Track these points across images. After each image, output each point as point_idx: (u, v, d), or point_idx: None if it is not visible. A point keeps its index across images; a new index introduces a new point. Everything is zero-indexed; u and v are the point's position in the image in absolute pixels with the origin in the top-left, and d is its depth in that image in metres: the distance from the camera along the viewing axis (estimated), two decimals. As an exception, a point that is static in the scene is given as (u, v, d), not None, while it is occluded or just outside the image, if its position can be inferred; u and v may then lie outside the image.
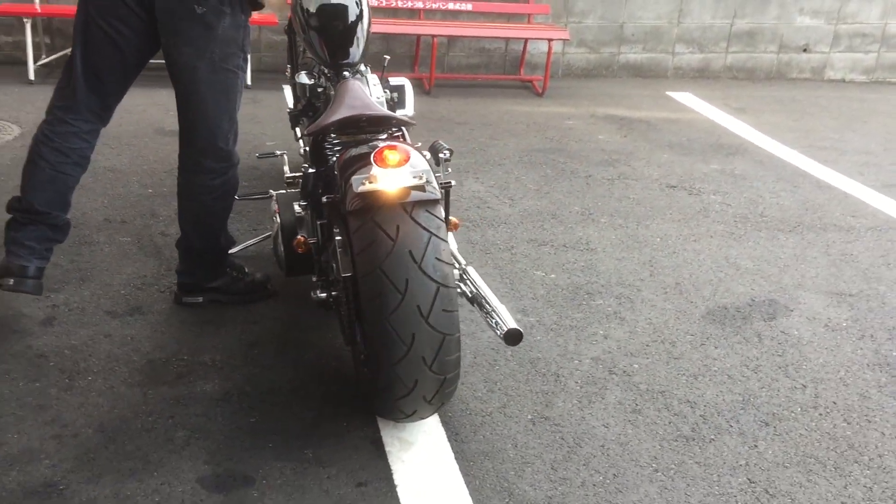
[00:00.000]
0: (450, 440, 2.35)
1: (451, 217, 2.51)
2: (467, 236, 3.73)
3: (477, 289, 2.44)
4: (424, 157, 2.37)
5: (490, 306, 2.34)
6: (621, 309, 3.17)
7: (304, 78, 3.01)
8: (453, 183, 2.46)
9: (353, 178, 2.10)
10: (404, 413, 2.22)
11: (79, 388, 2.47)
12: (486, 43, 6.90)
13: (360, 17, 3.03)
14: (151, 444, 2.25)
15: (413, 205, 2.10)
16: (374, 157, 2.06)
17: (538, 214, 4.05)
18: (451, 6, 6.63)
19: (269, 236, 3.06)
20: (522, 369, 2.73)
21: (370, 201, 2.08)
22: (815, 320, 3.17)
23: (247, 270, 3.05)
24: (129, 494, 2.07)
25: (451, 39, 6.79)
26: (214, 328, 2.83)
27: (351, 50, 2.92)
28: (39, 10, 5.92)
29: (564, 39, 6.63)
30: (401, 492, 2.14)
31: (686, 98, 6.59)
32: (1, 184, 3.90)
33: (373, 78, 3.04)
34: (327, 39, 2.93)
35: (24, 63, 5.83)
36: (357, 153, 2.28)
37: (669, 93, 6.74)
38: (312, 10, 3.00)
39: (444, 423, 2.43)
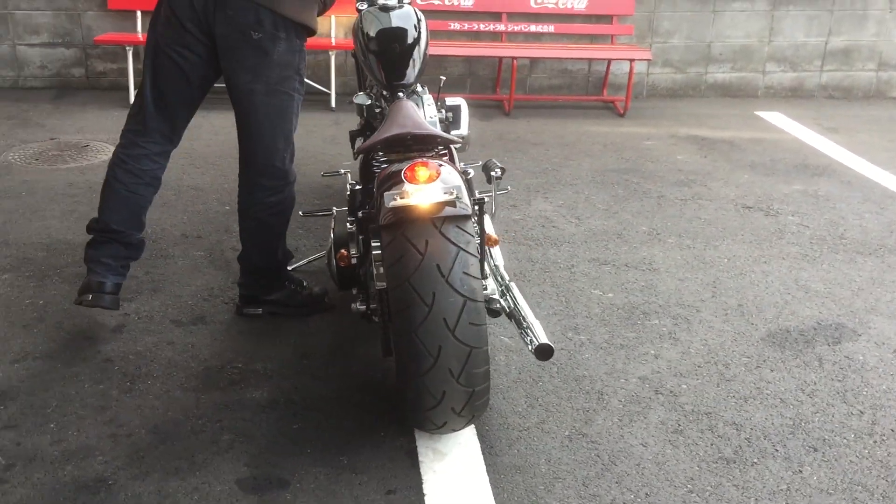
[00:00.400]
0: (484, 453, 2.38)
1: (490, 233, 2.55)
2: (528, 254, 3.75)
3: (515, 304, 2.48)
4: (465, 174, 2.42)
5: (526, 322, 2.37)
6: (676, 329, 3.13)
7: (361, 98, 3.12)
8: (486, 199, 2.50)
9: (386, 193, 2.17)
10: (435, 424, 2.26)
11: (138, 391, 2.62)
12: (569, 64, 6.92)
13: (416, 40, 3.11)
14: (198, 446, 2.36)
15: (443, 220, 2.15)
16: (404, 173, 2.13)
17: (603, 234, 4.04)
18: (532, 28, 6.68)
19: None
20: (566, 386, 2.73)
21: (401, 216, 2.14)
22: (883, 346, 3.05)
23: (305, 284, 3.15)
24: (171, 492, 2.18)
25: (533, 61, 6.83)
26: (270, 339, 2.94)
27: (406, 71, 3.01)
28: (142, 39, 6.28)
29: (647, 60, 6.58)
30: (428, 501, 2.18)
31: (775, 118, 6.42)
32: (94, 202, 4.15)
33: (428, 98, 3.11)
34: (384, 61, 3.02)
35: (126, 89, 6.20)
36: (394, 170, 2.35)
37: (759, 113, 6.58)
38: (372, 33, 3.11)
39: (480, 435, 2.45)
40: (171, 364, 2.77)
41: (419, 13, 3.25)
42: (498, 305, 2.48)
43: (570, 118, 6.33)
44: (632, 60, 6.38)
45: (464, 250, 2.14)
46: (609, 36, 6.78)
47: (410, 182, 2.11)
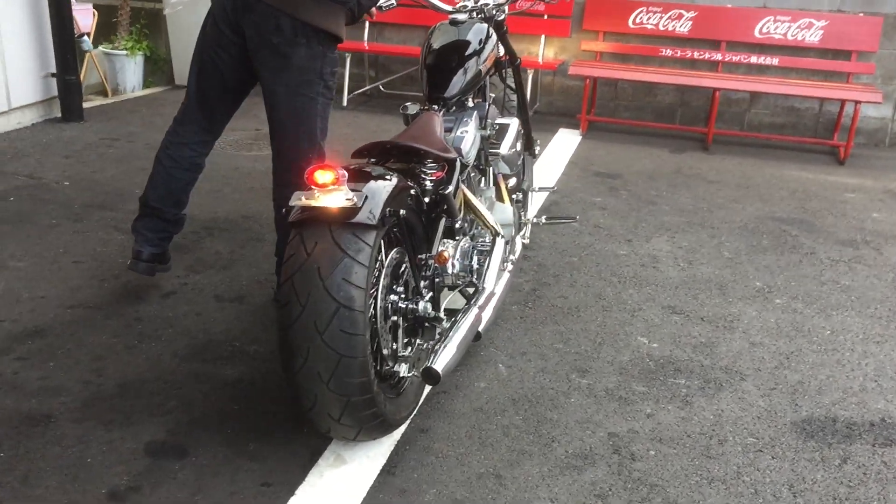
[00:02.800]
0: (383, 470, 2.33)
1: (443, 251, 2.48)
2: (600, 291, 3.53)
3: (455, 327, 2.40)
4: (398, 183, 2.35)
5: (442, 345, 2.29)
6: (697, 394, 2.79)
7: (409, 108, 3.14)
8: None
9: (297, 192, 2.21)
10: (321, 428, 2.26)
11: (138, 350, 2.89)
12: (796, 102, 6.30)
13: (472, 55, 3.09)
14: (143, 406, 2.57)
15: (339, 225, 2.15)
16: (306, 174, 2.16)
17: (704, 283, 3.68)
18: (754, 60, 6.19)
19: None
20: (524, 425, 2.57)
21: (304, 216, 2.17)
22: (949, 461, 2.49)
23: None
24: (90, 441, 2.40)
25: (754, 95, 6.32)
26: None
27: (450, 85, 3.00)
28: (367, 48, 6.77)
29: (875, 102, 5.80)
30: (292, 500, 2.19)
31: None
32: (243, 186, 4.60)
33: (472, 112, 3.06)
34: (431, 74, 3.04)
35: (341, 91, 6.72)
36: None
37: None
38: (431, 47, 3.14)
39: (395, 452, 2.40)
40: (183, 332, 3.02)
41: (489, 30, 3.22)
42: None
43: (776, 160, 5.79)
44: (857, 102, 5.68)
45: (351, 258, 2.12)
46: (845, 74, 6.08)
47: (308, 182, 2.13)
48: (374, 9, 3.34)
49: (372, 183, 2.23)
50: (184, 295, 3.31)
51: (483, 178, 3.23)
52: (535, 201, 4.55)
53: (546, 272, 3.69)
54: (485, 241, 2.97)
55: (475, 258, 2.86)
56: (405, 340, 2.47)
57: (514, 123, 3.16)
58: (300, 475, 2.29)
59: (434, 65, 3.06)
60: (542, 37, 6.54)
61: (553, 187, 4.42)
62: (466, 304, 2.58)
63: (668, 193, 4.88)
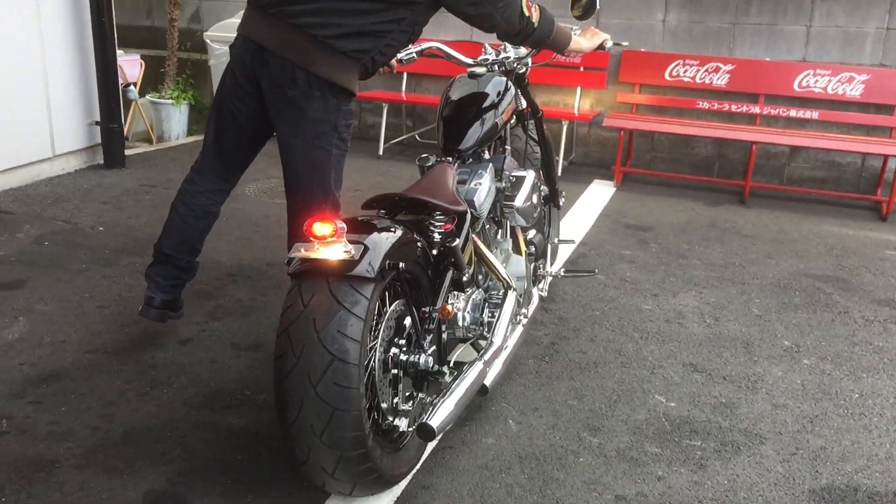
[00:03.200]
0: (379, 528, 2.29)
1: (447, 305, 2.46)
2: (620, 346, 3.46)
3: (457, 381, 2.37)
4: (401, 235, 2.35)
5: (441, 401, 2.26)
6: (713, 457, 2.70)
7: (426, 160, 3.14)
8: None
9: (296, 243, 2.21)
10: (316, 482, 2.23)
11: (148, 397, 2.91)
12: (837, 156, 6.19)
13: (489, 108, 3.10)
14: (147, 454, 2.58)
15: (337, 278, 2.14)
16: (305, 226, 2.16)
17: (729, 341, 3.59)
18: (793, 113, 6.10)
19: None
20: (528, 484, 2.51)
21: (301, 268, 2.17)
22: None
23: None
24: (90, 487, 2.40)
25: (794, 149, 6.23)
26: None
27: (465, 137, 3.01)
28: (405, 98, 6.85)
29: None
30: (283, 557, 2.16)
31: None
32: (272, 234, 4.64)
33: (487, 165, 3.06)
34: (446, 126, 3.05)
35: (377, 140, 6.79)
36: None
37: None
38: (449, 99, 3.16)
39: (392, 509, 2.36)
40: (196, 379, 3.03)
41: (508, 83, 3.23)
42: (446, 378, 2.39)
43: (816, 215, 5.67)
44: (886, 157, 5.56)
45: (347, 310, 2.11)
46: (888, 128, 5.96)
47: (307, 235, 2.14)
48: (393, 61, 3.38)
49: (372, 235, 2.23)
50: (201, 342, 3.33)
51: (500, 230, 3.22)
52: (562, 253, 4.51)
53: (566, 326, 3.64)
54: (497, 294, 2.94)
55: (486, 311, 2.83)
56: (408, 394, 2.44)
57: (530, 176, 3.14)
58: (295, 530, 2.25)
59: (450, 117, 3.07)
60: (578, 89, 6.54)
61: (572, 240, 4.37)
62: (473, 359, 2.55)
63: (700, 247, 4.80)
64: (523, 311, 3.04)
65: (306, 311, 2.11)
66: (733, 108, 6.18)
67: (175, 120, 7.23)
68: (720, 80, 6.17)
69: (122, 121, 5.93)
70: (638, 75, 6.39)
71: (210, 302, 3.70)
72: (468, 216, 2.78)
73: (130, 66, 6.67)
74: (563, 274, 3.62)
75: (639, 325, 3.69)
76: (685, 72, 6.21)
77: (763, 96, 6.13)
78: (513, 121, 3.60)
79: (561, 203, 4.18)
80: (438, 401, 2.27)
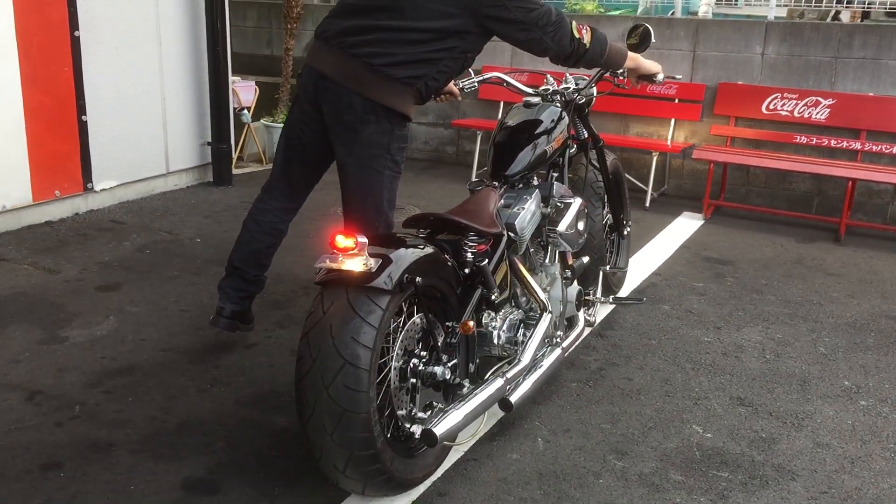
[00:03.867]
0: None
1: (467, 321, 2.58)
2: (670, 376, 3.48)
3: (471, 394, 2.49)
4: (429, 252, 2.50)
5: (454, 409, 2.39)
6: (736, 489, 2.70)
7: (475, 184, 3.28)
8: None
9: (322, 255, 2.40)
10: (330, 478, 2.39)
11: (207, 393, 3.16)
12: (945, 196, 5.92)
13: (541, 135, 3.22)
14: (193, 444, 2.81)
15: (356, 288, 2.31)
16: (329, 238, 2.34)
17: (786, 377, 3.54)
18: (897, 150, 5.89)
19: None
20: (543, 500, 2.59)
21: (326, 277, 2.35)
22: None
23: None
24: (138, 471, 2.65)
25: (897, 187, 6.00)
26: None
27: (513, 163, 3.14)
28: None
29: None
30: (295, 545, 2.32)
31: None
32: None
33: (533, 191, 3.16)
34: (495, 152, 3.19)
35: (470, 166, 6.97)
36: None
37: None
38: (501, 126, 3.30)
39: (404, 513, 2.49)
40: (251, 381, 3.26)
41: (562, 114, 3.33)
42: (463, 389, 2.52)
43: (910, 255, 5.44)
44: None
45: (362, 318, 2.27)
46: None
47: (330, 245, 2.31)
48: (456, 89, 3.55)
49: (394, 251, 2.38)
50: (265, 347, 3.57)
51: (547, 255, 3.30)
52: (630, 281, 4.54)
53: (618, 352, 3.68)
54: (535, 315, 3.03)
55: (521, 331, 2.93)
56: (428, 403, 2.57)
57: (576, 203, 3.22)
58: (311, 522, 2.41)
59: (501, 143, 3.20)
60: (672, 120, 6.52)
61: (623, 269, 4.36)
62: (492, 375, 2.66)
63: (780, 283, 4.71)
64: (558, 333, 3.11)
65: (325, 318, 2.29)
66: (833, 143, 6.02)
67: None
68: (820, 115, 6.02)
69: (233, 142, 6.34)
70: (734, 108, 6.32)
71: (280, 311, 3.95)
72: (504, 239, 2.89)
73: (245, 91, 7.11)
74: (611, 301, 3.66)
75: (693, 357, 3.68)
76: (783, 105, 6.10)
77: (865, 132, 5.95)
78: (573, 150, 3.69)
79: (626, 233, 4.22)
80: (449, 410, 2.39)
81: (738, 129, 6.34)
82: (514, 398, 2.76)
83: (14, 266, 4.41)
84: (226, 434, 2.87)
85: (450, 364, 2.59)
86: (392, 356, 2.43)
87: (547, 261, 3.34)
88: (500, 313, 2.99)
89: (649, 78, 3.44)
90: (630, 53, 3.24)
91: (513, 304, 3.10)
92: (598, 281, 3.66)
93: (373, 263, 2.29)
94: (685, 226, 5.85)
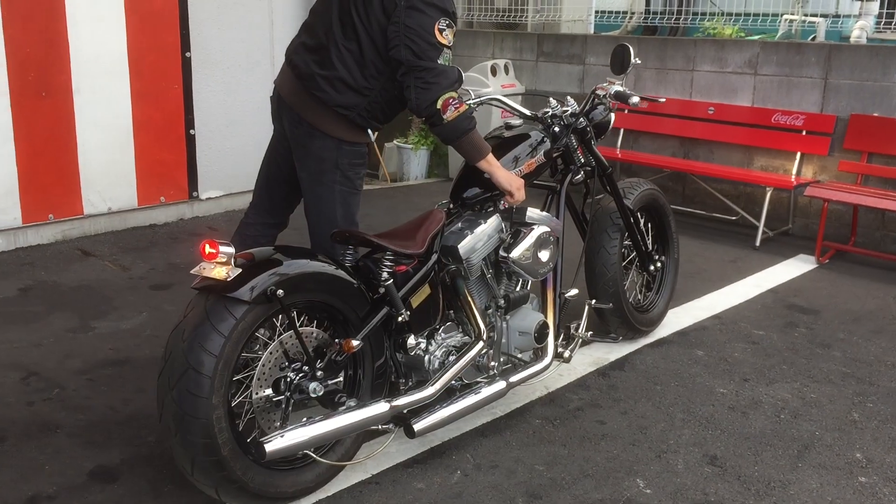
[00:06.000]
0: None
1: (350, 341, 2.55)
2: (648, 425, 3.22)
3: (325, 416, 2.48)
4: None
5: (298, 425, 2.39)
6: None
7: (442, 205, 3.22)
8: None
9: (201, 262, 2.47)
10: (187, 476, 2.43)
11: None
12: None
13: (509, 156, 3.14)
14: (127, 433, 2.98)
15: (214, 296, 2.36)
16: (199, 246, 2.41)
17: (786, 441, 3.15)
18: None
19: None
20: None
21: (198, 283, 2.42)
22: None
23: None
24: (76, 455, 2.86)
25: None
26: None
27: (470, 185, 3.07)
28: (619, 155, 6.79)
29: None
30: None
31: None
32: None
33: (490, 216, 3.06)
34: (460, 174, 3.14)
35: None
36: None
37: None
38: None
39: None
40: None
41: (542, 138, 3.22)
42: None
43: None
44: None
45: (212, 326, 2.31)
46: None
47: (200, 253, 2.39)
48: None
49: (263, 264, 2.41)
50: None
51: (510, 282, 3.18)
52: (674, 322, 4.23)
53: (610, 394, 3.45)
54: (462, 339, 2.93)
55: (451, 358, 2.84)
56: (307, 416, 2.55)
57: (536, 230, 3.07)
58: (175, 521, 2.49)
59: (466, 165, 3.13)
60: (798, 154, 5.99)
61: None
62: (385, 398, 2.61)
63: (859, 340, 4.18)
64: (493, 364, 2.98)
65: (183, 322, 2.36)
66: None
67: (414, 163, 7.84)
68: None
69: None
70: (867, 142, 5.69)
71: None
72: (431, 260, 2.83)
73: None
74: (589, 336, 3.43)
75: (691, 408, 3.37)
76: (924, 141, 5.42)
77: None
78: (579, 177, 3.53)
79: (655, 267, 3.95)
80: (291, 428, 2.37)
81: (872, 166, 5.70)
82: (420, 425, 2.69)
83: (96, 261, 4.87)
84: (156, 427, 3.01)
85: (330, 381, 2.56)
86: (257, 367, 2.45)
87: (518, 288, 3.22)
88: (437, 338, 2.91)
89: (624, 98, 3.24)
90: (489, 157, 2.97)
91: (461, 329, 3.01)
92: (584, 316, 3.44)
93: (232, 274, 2.32)
94: (789, 269, 5.33)
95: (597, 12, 7.71)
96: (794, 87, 5.99)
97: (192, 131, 5.73)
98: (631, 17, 7.78)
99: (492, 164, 2.97)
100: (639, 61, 3.52)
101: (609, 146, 6.86)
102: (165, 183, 5.72)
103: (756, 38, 7.11)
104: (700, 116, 6.42)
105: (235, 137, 6.00)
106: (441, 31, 2.79)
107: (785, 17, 7.31)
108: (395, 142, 7.96)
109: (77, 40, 5.07)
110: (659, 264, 3.99)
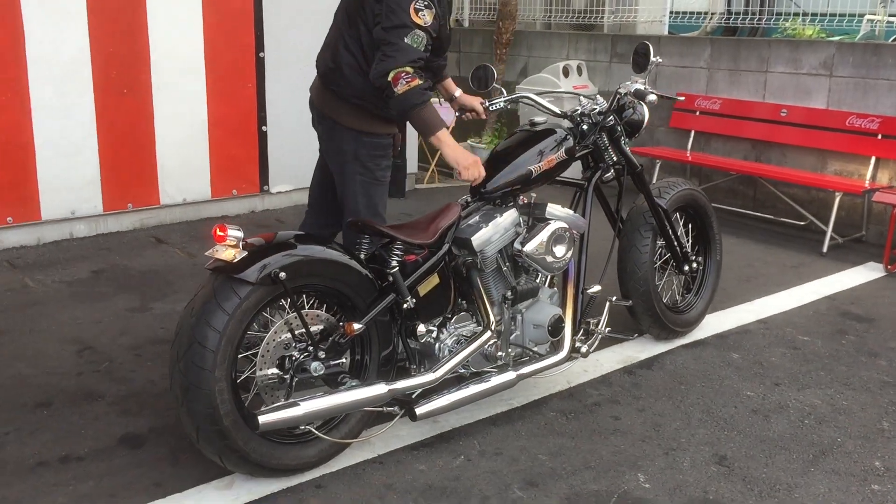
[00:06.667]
0: (245, 504, 2.62)
1: (350, 321, 2.68)
2: (663, 423, 3.23)
3: (327, 393, 2.62)
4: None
5: (285, 406, 2.54)
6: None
7: (464, 199, 3.31)
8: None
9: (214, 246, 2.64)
10: (193, 442, 2.61)
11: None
12: None
13: (527, 155, 3.21)
14: (158, 406, 3.20)
15: (224, 277, 2.54)
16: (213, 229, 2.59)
17: (803, 446, 3.11)
18: None
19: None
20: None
21: (211, 265, 2.60)
22: None
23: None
24: (112, 422, 3.10)
25: None
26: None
27: (490, 179, 3.17)
28: (689, 158, 6.72)
29: None
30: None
31: None
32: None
33: (507, 210, 3.14)
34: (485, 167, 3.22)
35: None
36: None
37: None
38: (501, 143, 3.34)
39: (272, 496, 2.66)
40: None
41: (565, 136, 3.28)
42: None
43: None
44: None
45: (217, 304, 2.49)
46: None
47: (213, 237, 2.56)
48: (481, 108, 3.58)
49: (272, 248, 2.57)
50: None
51: (530, 275, 3.25)
52: (721, 325, 4.19)
53: (632, 391, 3.47)
54: (474, 329, 3.01)
55: (444, 340, 2.94)
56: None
57: (550, 226, 3.13)
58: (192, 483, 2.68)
59: (488, 160, 3.22)
60: (873, 158, 5.80)
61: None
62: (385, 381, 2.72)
63: (871, 351, 4.06)
64: (500, 354, 3.05)
65: (194, 300, 2.55)
66: None
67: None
68: None
69: (405, 157, 6.77)
70: (948, 146, 5.47)
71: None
72: (442, 251, 2.93)
73: (446, 112, 7.50)
74: (607, 333, 3.45)
75: (712, 409, 3.36)
76: None
77: None
78: (610, 175, 3.57)
79: (691, 269, 3.94)
80: (283, 405, 2.52)
81: (952, 171, 5.46)
82: (422, 409, 2.80)
83: (166, 248, 5.18)
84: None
85: (333, 362, 2.69)
86: (262, 344, 2.61)
87: (538, 281, 3.29)
88: (449, 327, 3.02)
89: (642, 96, 3.27)
90: (439, 134, 3.00)
91: (474, 319, 3.10)
92: (605, 312, 3.47)
93: (238, 256, 2.49)
94: (853, 277, 5.17)
95: (675, 13, 7.62)
96: (870, 90, 5.79)
97: (263, 128, 5.99)
98: (711, 18, 7.65)
99: (441, 141, 3.02)
100: (660, 59, 3.52)
101: (679, 148, 6.80)
102: (238, 177, 6.00)
103: (836, 38, 6.88)
104: (773, 119, 6.28)
105: (305, 134, 6.21)
106: (417, 10, 2.90)
107: (866, 17, 7.05)
108: (469, 141, 8.07)
109: (157, 40, 5.39)
110: (695, 265, 3.96)
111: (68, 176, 5.21)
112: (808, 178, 5.88)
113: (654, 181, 6.49)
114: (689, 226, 4.06)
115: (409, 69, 2.88)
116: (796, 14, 7.08)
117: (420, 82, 2.90)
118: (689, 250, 3.96)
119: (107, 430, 3.02)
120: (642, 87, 3.38)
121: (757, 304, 4.58)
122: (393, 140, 3.28)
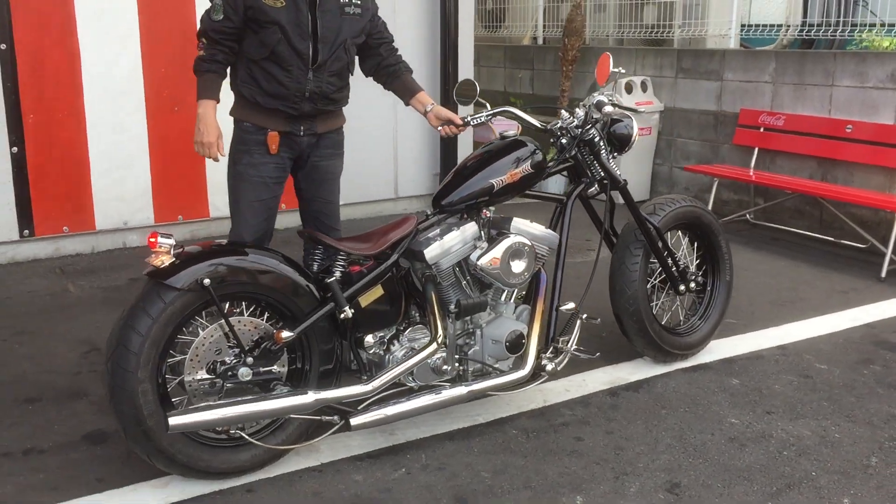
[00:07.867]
0: None
1: (280, 332, 2.74)
2: (626, 446, 3.12)
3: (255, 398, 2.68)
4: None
5: (201, 409, 2.62)
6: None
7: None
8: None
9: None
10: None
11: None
12: None
13: (491, 168, 3.20)
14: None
15: (154, 283, 2.65)
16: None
17: (771, 478, 2.94)
18: None
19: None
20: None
21: (146, 270, 2.71)
22: None
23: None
24: (81, 418, 3.27)
25: None
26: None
27: (451, 192, 3.18)
28: (753, 177, 6.45)
29: None
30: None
31: None
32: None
33: (464, 223, 3.12)
34: (445, 181, 3.24)
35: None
36: None
37: None
38: (472, 155, 3.34)
39: (201, 497, 2.74)
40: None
41: (533, 150, 3.25)
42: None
43: None
44: None
45: (143, 308, 2.60)
46: None
47: (147, 244, 2.68)
48: (459, 121, 3.57)
49: (203, 255, 2.66)
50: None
51: (505, 292, 3.24)
52: (733, 349, 4.01)
53: (608, 413, 3.36)
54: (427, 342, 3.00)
55: (395, 352, 2.95)
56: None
57: (507, 240, 3.09)
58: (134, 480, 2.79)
59: (454, 173, 3.23)
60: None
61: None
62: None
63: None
64: (445, 367, 3.02)
65: (127, 303, 2.66)
66: None
67: (551, 179, 7.85)
68: None
69: (456, 174, 6.80)
70: None
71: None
72: (388, 262, 2.95)
73: (505, 128, 7.51)
74: (573, 350, 3.34)
75: (686, 435, 3.21)
76: None
77: None
78: (594, 189, 3.50)
79: (685, 288, 3.79)
80: (199, 408, 2.59)
81: None
82: (357, 420, 2.82)
83: (205, 259, 5.39)
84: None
85: (262, 369, 2.75)
86: (191, 349, 2.70)
87: (502, 298, 3.25)
88: (402, 338, 3.03)
89: (599, 106, 3.22)
90: (201, 101, 3.19)
91: (428, 331, 3.10)
92: (576, 329, 3.37)
93: (166, 263, 2.59)
94: (898, 303, 4.83)
95: (749, 25, 7.34)
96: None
97: (311, 143, 6.15)
98: (787, 31, 7.31)
99: (199, 112, 3.18)
100: (622, 70, 3.43)
101: (743, 166, 6.54)
102: (285, 191, 6.17)
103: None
104: (837, 135, 5.94)
105: (361, 150, 6.34)
106: None
107: (945, 26, 6.56)
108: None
109: (207, 61, 5.66)
110: (693, 286, 3.80)
111: (121, 188, 5.52)
112: (869, 199, 5.53)
113: (711, 201, 6.28)
114: (694, 244, 3.91)
115: (202, 40, 3.15)
116: (872, 25, 6.68)
117: (201, 53, 3.16)
118: (689, 270, 3.80)
119: (77, 426, 3.18)
120: (602, 98, 3.31)
121: (782, 330, 4.34)
122: (266, 139, 3.22)
